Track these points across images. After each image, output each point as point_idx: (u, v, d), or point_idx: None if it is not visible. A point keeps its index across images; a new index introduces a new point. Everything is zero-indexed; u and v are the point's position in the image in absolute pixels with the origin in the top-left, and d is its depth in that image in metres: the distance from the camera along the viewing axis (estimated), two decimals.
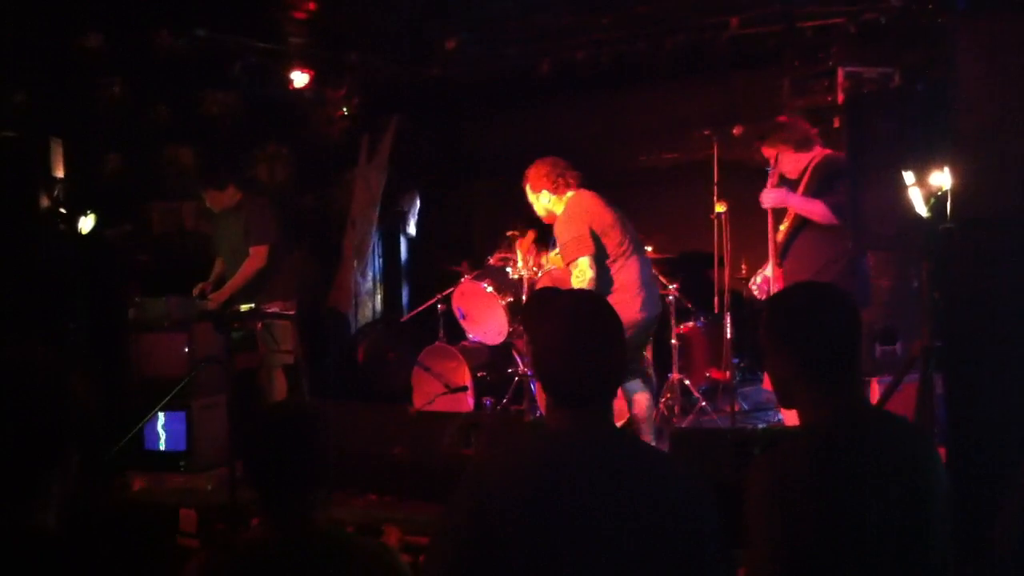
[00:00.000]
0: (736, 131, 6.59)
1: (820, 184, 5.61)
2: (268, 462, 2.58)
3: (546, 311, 2.47)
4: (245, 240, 6.95)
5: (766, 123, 6.26)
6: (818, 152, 5.75)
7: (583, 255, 5.73)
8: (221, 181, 7.01)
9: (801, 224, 5.71)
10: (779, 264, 5.80)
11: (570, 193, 6.01)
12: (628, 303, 5.73)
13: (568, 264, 5.81)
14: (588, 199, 5.98)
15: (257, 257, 6.91)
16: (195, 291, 6.99)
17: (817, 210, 5.56)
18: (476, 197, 10.27)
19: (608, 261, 5.85)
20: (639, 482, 2.28)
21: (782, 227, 5.84)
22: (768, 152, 5.86)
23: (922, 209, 4.27)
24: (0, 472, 1.96)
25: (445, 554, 2.28)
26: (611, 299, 5.63)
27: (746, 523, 2.35)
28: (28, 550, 1.93)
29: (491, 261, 7.81)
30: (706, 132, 7.28)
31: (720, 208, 6.94)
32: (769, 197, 5.76)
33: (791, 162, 5.77)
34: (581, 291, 2.56)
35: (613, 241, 5.86)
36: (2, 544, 1.91)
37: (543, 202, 6.08)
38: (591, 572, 2.18)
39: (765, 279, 5.96)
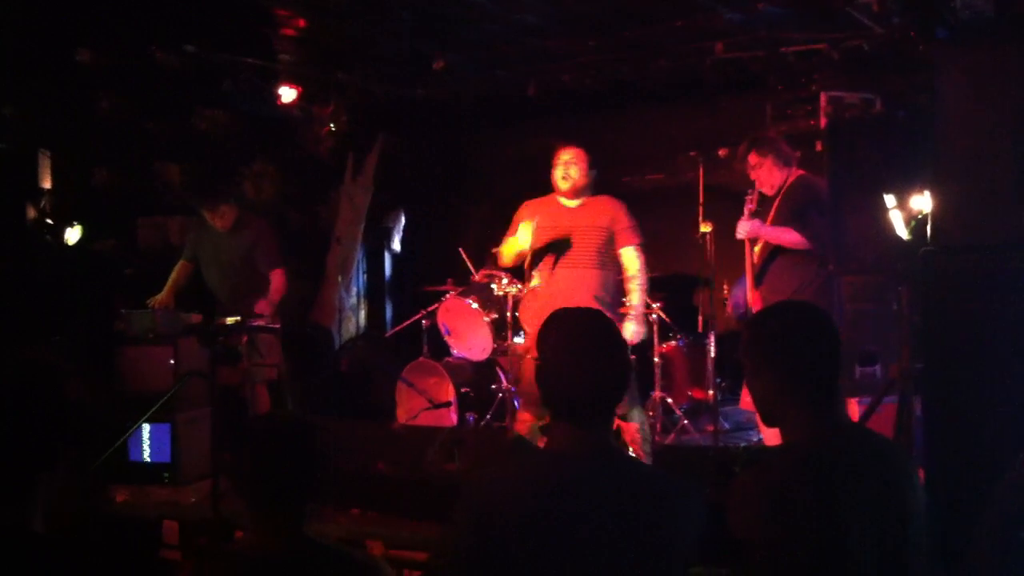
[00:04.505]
0: (722, 153, 6.67)
1: (794, 208, 5.73)
2: (266, 472, 2.56)
3: (551, 328, 2.54)
4: (255, 263, 6.99)
5: (757, 133, 6.36)
6: (794, 172, 5.89)
7: None
8: (228, 198, 7.04)
9: (775, 248, 5.81)
10: (756, 287, 5.89)
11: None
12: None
13: (640, 241, 5.88)
14: None
15: (280, 279, 6.99)
16: (149, 304, 6.95)
17: (789, 238, 5.70)
18: (462, 215, 10.32)
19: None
20: (632, 499, 2.34)
21: (756, 249, 5.94)
22: (755, 160, 5.93)
23: (903, 232, 4.34)
24: None
25: (447, 570, 2.36)
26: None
27: (727, 540, 2.39)
28: (15, 551, 1.96)
29: (476, 278, 7.85)
30: (692, 154, 7.35)
31: (705, 228, 7.00)
32: (743, 228, 5.87)
33: (771, 176, 5.89)
34: (585, 310, 2.61)
35: None
36: None
37: (589, 179, 5.99)
38: None
39: (740, 293, 6.06)
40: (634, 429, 5.77)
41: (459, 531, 2.35)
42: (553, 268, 5.90)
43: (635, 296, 5.82)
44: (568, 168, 5.87)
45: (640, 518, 2.31)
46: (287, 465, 2.56)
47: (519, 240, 5.81)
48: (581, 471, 2.36)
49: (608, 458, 2.42)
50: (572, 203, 5.93)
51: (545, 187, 6.06)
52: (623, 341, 2.51)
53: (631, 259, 5.83)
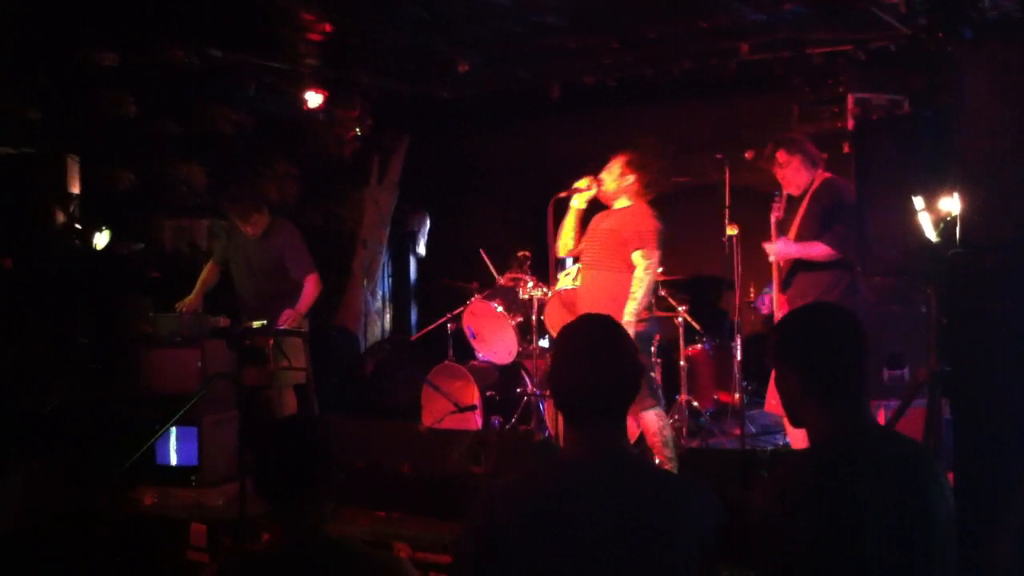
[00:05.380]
0: (748, 155, 6.65)
1: (821, 213, 5.73)
2: (281, 470, 2.60)
3: (558, 335, 2.57)
4: (285, 269, 6.99)
5: (784, 133, 6.36)
6: (820, 175, 5.89)
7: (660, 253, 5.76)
8: (259, 206, 7.06)
9: None
10: (782, 291, 5.90)
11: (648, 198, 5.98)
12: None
13: (650, 248, 5.73)
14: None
15: (313, 285, 6.99)
16: (178, 307, 6.99)
17: (818, 252, 5.73)
18: (486, 217, 10.32)
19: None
20: (635, 501, 2.35)
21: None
22: (784, 158, 5.93)
23: (931, 235, 4.31)
24: None
25: (458, 570, 2.41)
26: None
27: (752, 542, 2.39)
28: None
29: (502, 281, 7.87)
30: (718, 156, 7.33)
31: (731, 231, 6.98)
32: (773, 251, 5.93)
33: (798, 177, 5.90)
34: (588, 315, 2.63)
35: None
36: None
37: (626, 183, 5.93)
38: None
39: (769, 297, 6.08)
40: (650, 431, 5.73)
41: (466, 533, 2.41)
42: (582, 267, 6.05)
43: (628, 304, 5.66)
44: (603, 174, 5.97)
45: (643, 519, 2.32)
46: (300, 461, 2.60)
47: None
48: (583, 473, 2.38)
49: (613, 459, 2.42)
50: (615, 207, 6.00)
51: (560, 186, 6.12)
52: (623, 345, 2.51)
53: (636, 264, 5.74)
